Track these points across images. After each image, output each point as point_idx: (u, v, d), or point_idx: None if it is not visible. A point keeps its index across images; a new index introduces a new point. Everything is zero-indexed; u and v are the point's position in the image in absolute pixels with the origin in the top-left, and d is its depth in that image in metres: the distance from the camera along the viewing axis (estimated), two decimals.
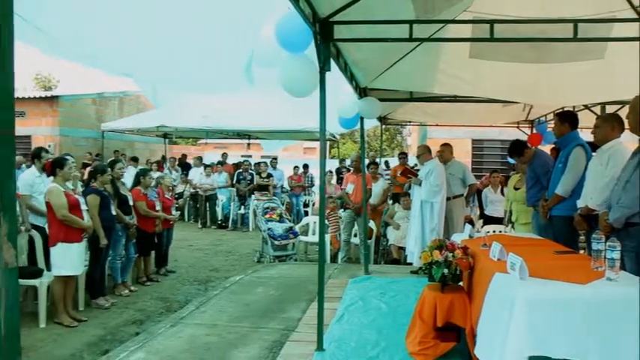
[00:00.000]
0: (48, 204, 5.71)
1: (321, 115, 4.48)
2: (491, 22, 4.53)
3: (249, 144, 20.56)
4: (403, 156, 11.91)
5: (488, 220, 8.81)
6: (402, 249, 8.49)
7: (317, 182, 14.58)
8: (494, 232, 7.39)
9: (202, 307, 6.06)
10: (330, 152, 25.66)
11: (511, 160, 8.78)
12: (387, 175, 12.29)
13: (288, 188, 15.27)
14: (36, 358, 4.84)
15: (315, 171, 15.21)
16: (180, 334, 5.10)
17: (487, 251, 3.83)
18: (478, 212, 10.01)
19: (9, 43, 1.28)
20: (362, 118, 7.53)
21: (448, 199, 7.35)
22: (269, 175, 14.29)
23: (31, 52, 7.52)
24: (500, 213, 8.38)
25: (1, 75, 1.22)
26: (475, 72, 6.49)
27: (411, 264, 7.56)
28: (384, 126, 12.39)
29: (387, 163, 17.27)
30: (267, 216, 9.58)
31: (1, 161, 1.21)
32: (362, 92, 7.17)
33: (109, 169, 6.79)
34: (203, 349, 4.71)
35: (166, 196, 8.33)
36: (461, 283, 4.20)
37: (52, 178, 5.97)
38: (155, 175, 8.71)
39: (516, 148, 6.47)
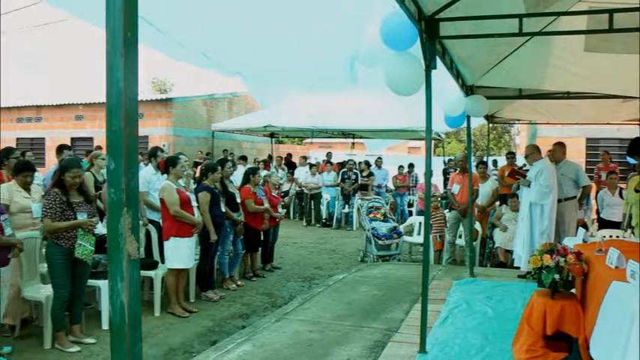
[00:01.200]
0: (162, 200, 6.04)
1: (427, 113, 4.42)
2: (611, 12, 4.25)
3: (353, 143, 20.66)
4: (511, 156, 11.48)
5: (605, 224, 8.31)
6: (509, 252, 8.20)
7: (421, 181, 14.40)
8: (610, 237, 6.95)
9: (306, 303, 6.17)
10: (434, 151, 25.23)
11: (631, 160, 8.22)
12: (494, 175, 11.91)
13: (393, 188, 15.18)
14: (151, 343, 5.13)
15: (419, 170, 15.03)
16: (284, 329, 5.22)
17: (603, 257, 3.62)
18: (594, 216, 9.46)
19: (134, 52, 1.37)
20: (468, 117, 7.35)
21: (559, 201, 7.01)
22: (370, 175, 14.27)
23: (150, 56, 7.98)
24: (618, 217, 7.86)
25: (129, 82, 1.31)
26: (590, 66, 6.11)
27: (518, 268, 7.28)
28: (490, 124, 12.01)
29: (495, 162, 16.73)
30: (372, 215, 9.58)
31: (127, 160, 1.30)
32: (469, 90, 6.99)
33: (220, 168, 7.06)
34: (306, 345, 4.79)
35: (273, 194, 8.55)
36: (573, 290, 3.99)
37: (166, 175, 6.31)
38: (262, 173, 8.95)
39: (637, 146, 6.05)
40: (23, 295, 5.22)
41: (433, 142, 16.57)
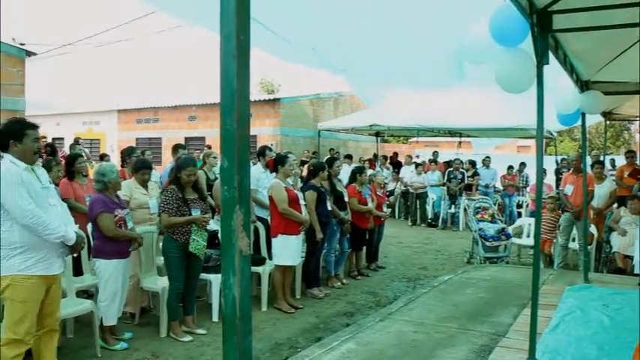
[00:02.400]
0: (271, 198, 6.20)
1: (539, 111, 4.22)
2: None
3: (460, 142, 20.20)
4: (631, 155, 10.74)
5: None
6: (628, 257, 7.68)
7: (532, 181, 13.81)
8: None
9: (410, 304, 6.10)
10: (545, 150, 24.10)
11: None
12: (612, 175, 11.19)
13: (501, 188, 14.68)
14: (258, 337, 5.28)
15: (530, 170, 14.41)
16: (388, 329, 5.20)
17: None
18: None
19: (247, 54, 1.41)
20: (583, 114, 6.95)
21: None
22: (474, 174, 13.88)
23: (258, 57, 8.21)
24: None
25: (241, 84, 1.36)
26: None
27: (638, 275, 6.81)
28: (608, 122, 11.27)
29: (612, 162, 15.73)
30: (479, 216, 9.32)
31: (239, 159, 1.34)
32: (584, 86, 6.60)
33: (327, 167, 7.13)
34: (410, 346, 4.74)
35: (378, 193, 8.53)
36: None
37: (274, 174, 6.47)
38: (368, 172, 8.96)
39: None
40: (142, 285, 5.55)
41: (544, 140, 15.84)
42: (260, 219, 6.86)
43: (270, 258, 6.41)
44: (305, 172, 10.40)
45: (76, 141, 14.29)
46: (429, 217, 14.28)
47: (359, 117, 17.82)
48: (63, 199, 4.92)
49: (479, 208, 9.56)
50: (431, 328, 5.24)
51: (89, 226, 5.16)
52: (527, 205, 13.79)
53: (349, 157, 15.39)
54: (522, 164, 14.82)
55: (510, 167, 14.73)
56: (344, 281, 7.53)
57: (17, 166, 3.62)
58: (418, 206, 14.28)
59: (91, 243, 5.08)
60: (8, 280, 3.56)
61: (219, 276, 5.63)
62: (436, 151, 17.02)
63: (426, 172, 14.49)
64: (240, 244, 1.32)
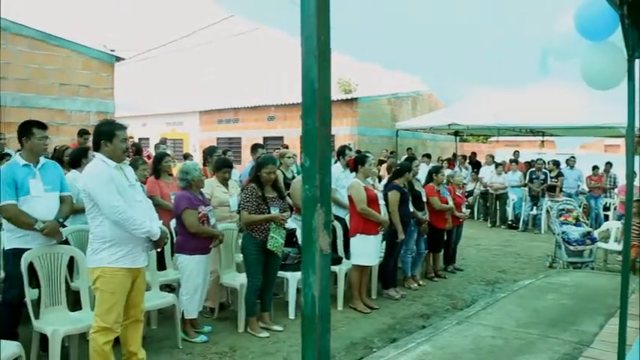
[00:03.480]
0: (350, 197, 6.20)
1: (630, 108, 4.00)
2: None
3: (542, 141, 19.50)
4: None
5: None
6: None
7: (620, 182, 13.14)
8: None
9: (489, 308, 5.96)
10: (636, 149, 22.86)
11: None
12: None
13: (587, 189, 14.04)
14: (334, 336, 5.30)
15: (618, 170, 13.69)
16: (465, 333, 5.10)
17: None
18: None
19: (328, 54, 1.42)
20: None
21: None
22: (558, 175, 13.34)
23: (335, 58, 8.24)
24: None
25: (323, 84, 1.37)
26: None
27: None
28: None
29: None
30: (562, 218, 8.96)
31: (321, 158, 1.35)
32: None
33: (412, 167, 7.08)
34: (488, 352, 4.63)
35: (457, 193, 8.38)
36: None
37: (354, 173, 6.48)
38: (446, 172, 8.81)
39: None
40: (221, 281, 5.71)
41: (635, 139, 15.03)
42: (337, 218, 6.88)
43: (348, 257, 6.43)
44: (383, 172, 10.36)
45: (162, 141, 14.85)
46: (510, 218, 13.89)
47: (437, 116, 17.56)
48: (149, 196, 5.12)
49: (562, 210, 9.19)
50: (510, 333, 5.10)
51: (172, 223, 5.35)
52: (614, 208, 13.12)
53: (428, 156, 15.18)
54: (608, 164, 14.09)
55: (595, 167, 14.05)
56: (420, 282, 7.44)
57: (107, 165, 3.81)
58: (498, 207, 13.92)
59: (174, 239, 5.27)
60: (98, 272, 3.76)
61: (296, 274, 5.74)
62: (517, 151, 16.51)
63: (506, 172, 14.09)
64: (320, 243, 1.33)
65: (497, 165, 14.18)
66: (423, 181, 8.10)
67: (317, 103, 1.37)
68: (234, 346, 5.01)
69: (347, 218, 6.63)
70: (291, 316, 5.81)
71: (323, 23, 1.42)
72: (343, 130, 18.19)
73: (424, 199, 7.41)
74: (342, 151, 7.59)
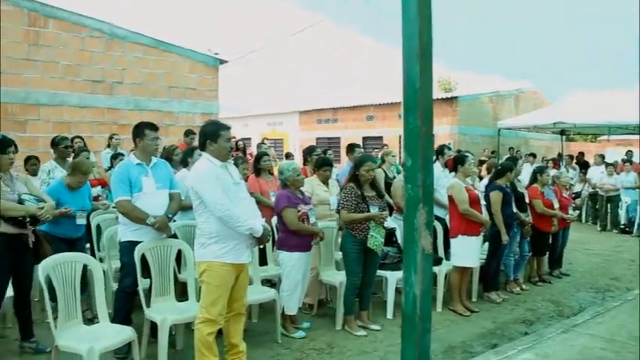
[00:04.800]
0: (450, 197, 6.10)
1: None
2: None
3: None
4: None
5: None
6: None
7: None
8: None
9: (599, 317, 5.65)
10: None
11: None
12: None
13: None
14: (432, 338, 5.14)
15: None
16: (571, 343, 4.86)
17: None
18: None
19: (429, 55, 1.42)
20: None
21: None
22: None
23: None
24: None
25: (424, 83, 1.37)
26: None
27: None
28: None
29: None
30: None
31: (423, 157, 1.35)
32: None
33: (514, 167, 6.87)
34: None
35: (563, 195, 8.01)
36: None
37: (452, 173, 6.36)
38: (552, 172, 8.44)
39: None
40: (320, 278, 5.79)
41: None
42: (437, 218, 6.77)
43: (448, 258, 6.32)
44: (483, 172, 10.10)
45: (263, 141, 15.27)
46: (622, 222, 13.06)
47: (542, 114, 16.87)
48: (250, 194, 5.29)
49: None
50: (622, 346, 4.80)
51: (274, 220, 5.49)
52: None
53: (532, 155, 14.59)
54: None
55: None
56: (523, 287, 7.18)
57: (213, 164, 3.98)
58: (609, 210, 13.13)
59: (276, 235, 5.40)
60: (205, 266, 3.93)
61: (395, 273, 5.72)
62: (630, 151, 15.51)
63: (618, 173, 13.28)
64: (422, 243, 1.33)
65: (607, 165, 13.40)
66: (526, 181, 7.81)
67: (419, 102, 1.37)
68: (331, 343, 5.07)
69: (447, 218, 6.52)
70: (389, 315, 5.79)
71: (424, 24, 1.42)
72: (443, 130, 17.88)
73: (527, 200, 7.14)
74: (441, 151, 7.47)
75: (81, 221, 5.23)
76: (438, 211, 6.81)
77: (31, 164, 7.42)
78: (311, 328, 5.40)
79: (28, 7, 10.06)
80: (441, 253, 6.58)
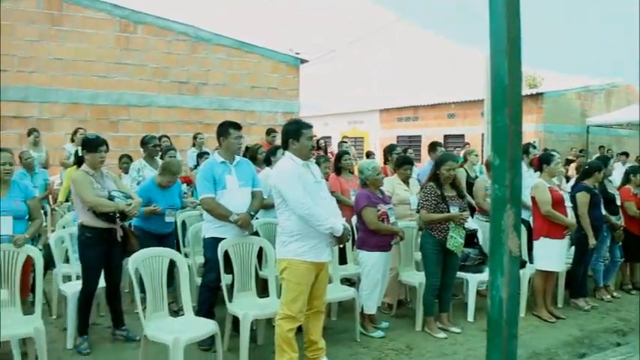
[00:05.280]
0: (533, 198, 5.89)
1: None
2: None
3: None
4: None
5: None
6: None
7: None
8: None
9: None
10: None
11: None
12: None
13: None
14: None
15: None
16: None
17: None
18: None
19: (518, 51, 1.37)
20: None
21: None
22: None
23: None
24: None
25: (513, 80, 1.33)
26: None
27: None
28: None
29: None
30: None
31: (511, 157, 1.31)
32: None
33: (604, 167, 6.56)
34: None
35: None
36: None
37: (538, 173, 6.14)
38: None
39: None
40: (400, 278, 5.74)
41: None
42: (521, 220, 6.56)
43: (531, 261, 6.11)
44: (571, 172, 9.71)
45: (344, 139, 15.31)
46: None
47: (635, 110, 15.97)
48: (331, 193, 5.32)
49: None
50: None
51: (354, 219, 5.50)
52: None
53: (625, 154, 13.84)
54: None
55: None
56: (614, 294, 6.81)
57: (295, 162, 4.03)
58: None
59: (355, 235, 5.41)
60: (286, 263, 3.99)
61: (477, 275, 5.60)
62: None
63: None
64: (510, 245, 1.29)
65: None
66: (618, 182, 7.42)
67: (507, 100, 1.33)
68: (410, 344, 5.02)
69: (531, 220, 6.30)
70: (470, 318, 5.67)
71: (513, 18, 1.38)
72: (528, 127, 17.29)
73: (618, 202, 6.78)
74: (525, 149, 7.22)
75: (170, 219, 5.46)
76: (522, 213, 6.60)
77: (123, 162, 7.82)
78: (390, 328, 5.37)
79: (119, 15, 10.58)
80: (525, 256, 6.36)
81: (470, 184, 7.05)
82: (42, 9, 9.88)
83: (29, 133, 8.70)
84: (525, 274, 5.98)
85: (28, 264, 4.36)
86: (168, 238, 5.49)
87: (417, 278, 5.55)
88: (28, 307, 4.38)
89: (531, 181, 6.28)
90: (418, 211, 5.47)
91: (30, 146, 8.48)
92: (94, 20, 10.33)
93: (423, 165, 10.39)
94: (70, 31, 10.10)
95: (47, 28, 9.92)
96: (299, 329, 4.17)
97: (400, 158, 6.38)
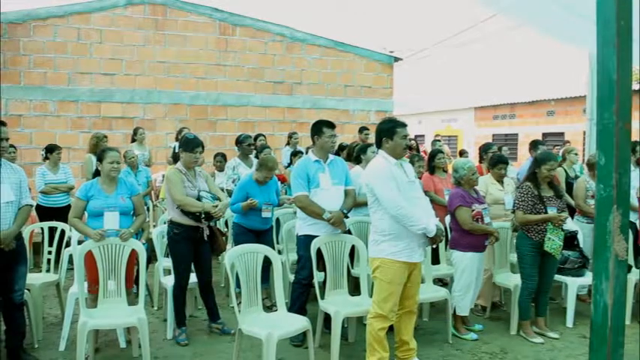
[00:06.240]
0: (639, 199, 5.56)
1: None
2: None
3: None
4: None
5: None
6: None
7: None
8: None
9: None
10: None
11: None
12: None
13: None
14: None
15: None
16: None
17: None
18: None
19: (628, 42, 1.30)
20: None
21: None
22: None
23: None
24: None
25: (622, 74, 1.26)
26: None
27: None
28: None
29: None
30: None
31: (619, 155, 1.25)
32: None
33: None
34: None
35: None
36: None
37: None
38: None
39: None
40: (494, 280, 5.59)
41: None
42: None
43: (637, 266, 5.76)
44: None
45: (438, 138, 15.08)
46: None
47: None
48: (424, 192, 5.25)
49: None
50: None
51: (447, 219, 5.40)
52: None
53: None
54: None
55: None
56: None
57: (388, 161, 4.01)
58: None
59: (449, 235, 5.31)
60: (378, 262, 3.98)
61: (577, 279, 5.36)
62: None
63: None
64: (616, 248, 1.22)
65: None
66: None
67: (615, 95, 1.26)
68: (505, 348, 4.88)
69: (638, 222, 5.94)
70: (569, 324, 5.43)
71: (624, 6, 1.30)
72: (635, 124, 16.25)
73: None
74: (632, 148, 6.81)
75: (266, 214, 5.58)
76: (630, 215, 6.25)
77: (217, 161, 8.06)
78: (483, 331, 5.24)
79: (219, 18, 10.94)
80: (630, 259, 6.01)
81: (569, 184, 6.75)
82: (147, 15, 10.39)
83: (135, 132, 9.16)
84: (631, 279, 5.65)
85: (133, 257, 4.61)
86: (266, 235, 5.63)
87: (512, 280, 5.38)
88: (132, 299, 4.64)
89: (637, 181, 5.93)
90: (513, 212, 5.30)
91: (138, 143, 8.93)
92: (195, 24, 10.75)
93: (523, 164, 10.03)
94: (173, 35, 10.57)
95: (152, 33, 10.43)
96: (390, 329, 4.16)
97: (495, 157, 6.19)
